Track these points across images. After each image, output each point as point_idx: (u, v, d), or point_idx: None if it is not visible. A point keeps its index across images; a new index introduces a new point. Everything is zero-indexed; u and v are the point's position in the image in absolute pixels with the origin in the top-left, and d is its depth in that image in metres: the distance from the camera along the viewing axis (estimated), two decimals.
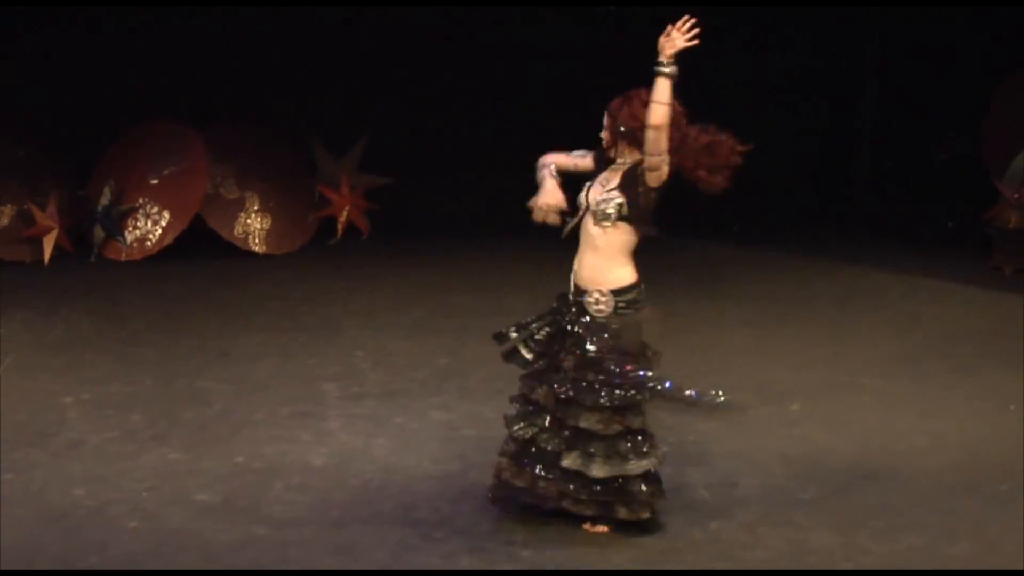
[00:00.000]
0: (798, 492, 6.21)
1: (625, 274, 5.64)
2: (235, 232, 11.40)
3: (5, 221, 11.05)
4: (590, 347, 5.60)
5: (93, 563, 5.42)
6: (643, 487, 5.64)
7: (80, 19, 11.61)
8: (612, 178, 5.62)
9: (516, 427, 5.79)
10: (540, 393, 5.73)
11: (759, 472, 6.43)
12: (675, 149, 5.49)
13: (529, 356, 5.79)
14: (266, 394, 7.60)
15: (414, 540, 5.65)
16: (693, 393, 5.75)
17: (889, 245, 12.16)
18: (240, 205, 11.48)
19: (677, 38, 5.50)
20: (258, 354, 8.41)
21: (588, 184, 5.68)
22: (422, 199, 12.18)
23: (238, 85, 11.96)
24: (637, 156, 5.57)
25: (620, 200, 5.55)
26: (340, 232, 11.92)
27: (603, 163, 5.71)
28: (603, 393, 5.56)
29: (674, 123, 5.47)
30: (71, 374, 7.91)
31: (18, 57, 11.50)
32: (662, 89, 5.41)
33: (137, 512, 5.91)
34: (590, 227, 5.61)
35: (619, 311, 5.61)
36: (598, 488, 5.63)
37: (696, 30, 5.49)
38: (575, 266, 5.71)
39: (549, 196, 5.65)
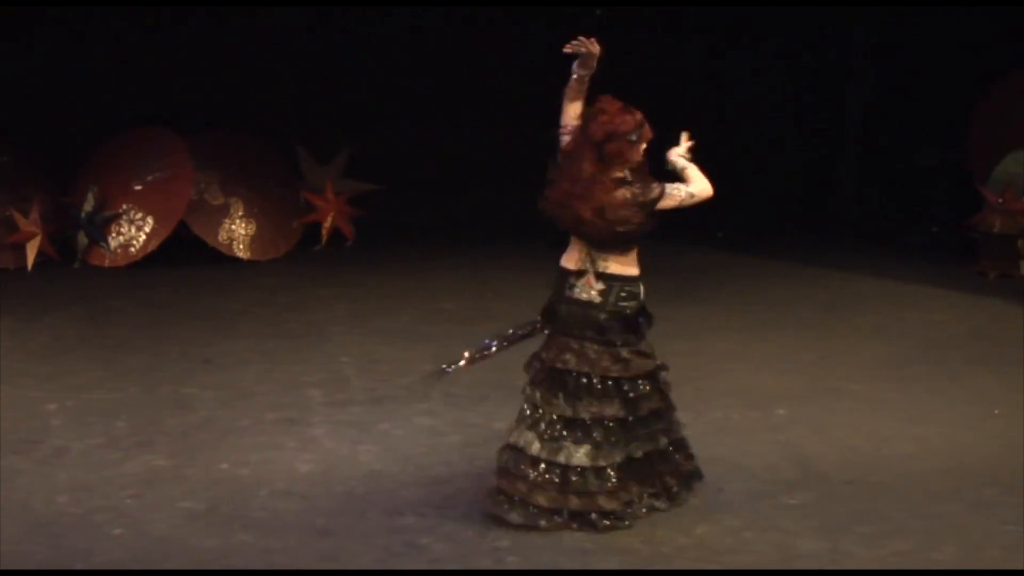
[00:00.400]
0: (784, 497, 6.21)
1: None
2: (220, 238, 11.38)
3: None
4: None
5: (78, 571, 5.40)
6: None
7: (64, 25, 11.60)
8: None
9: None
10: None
11: (745, 477, 6.43)
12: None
13: None
14: (251, 401, 7.59)
15: (399, 547, 5.64)
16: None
17: (874, 250, 12.18)
18: (224, 211, 11.46)
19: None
20: (243, 360, 8.39)
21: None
22: (407, 205, 12.17)
23: (223, 91, 11.94)
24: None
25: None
26: (325, 238, 11.92)
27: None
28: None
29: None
30: (55, 381, 7.88)
31: (1, 63, 11.47)
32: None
33: (122, 519, 5.89)
34: None
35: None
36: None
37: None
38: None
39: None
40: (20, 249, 10.95)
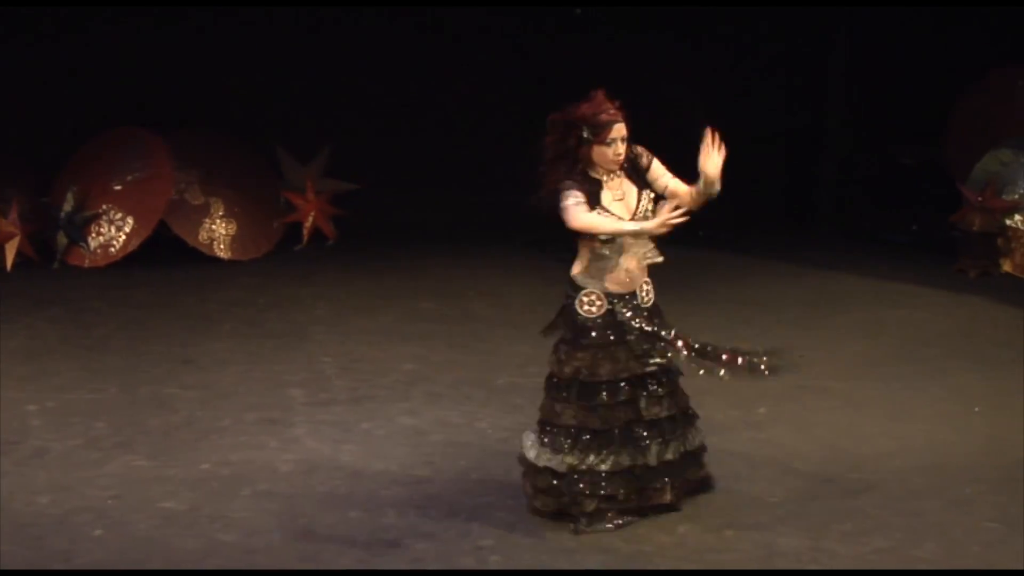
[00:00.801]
0: (765, 495, 6.22)
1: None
2: (200, 238, 11.35)
3: None
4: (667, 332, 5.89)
5: (58, 571, 5.39)
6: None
7: (43, 25, 11.55)
8: (624, 188, 5.75)
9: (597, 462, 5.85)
10: (649, 409, 5.84)
11: (726, 476, 6.43)
12: None
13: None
14: (232, 401, 7.57)
15: (381, 546, 5.64)
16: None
17: (855, 249, 12.21)
18: (205, 211, 11.43)
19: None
20: (224, 361, 8.37)
21: (600, 209, 5.68)
22: (388, 205, 12.16)
23: (202, 90, 11.91)
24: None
25: (653, 195, 5.79)
26: (306, 238, 11.89)
27: (590, 192, 5.70)
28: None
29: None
30: (35, 382, 7.85)
31: None
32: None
33: (102, 520, 5.88)
34: (637, 239, 5.73)
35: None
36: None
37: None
38: (619, 275, 5.79)
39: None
40: None
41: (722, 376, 5.91)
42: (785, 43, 13.34)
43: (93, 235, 11.06)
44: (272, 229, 11.76)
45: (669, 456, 5.88)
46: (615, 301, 5.75)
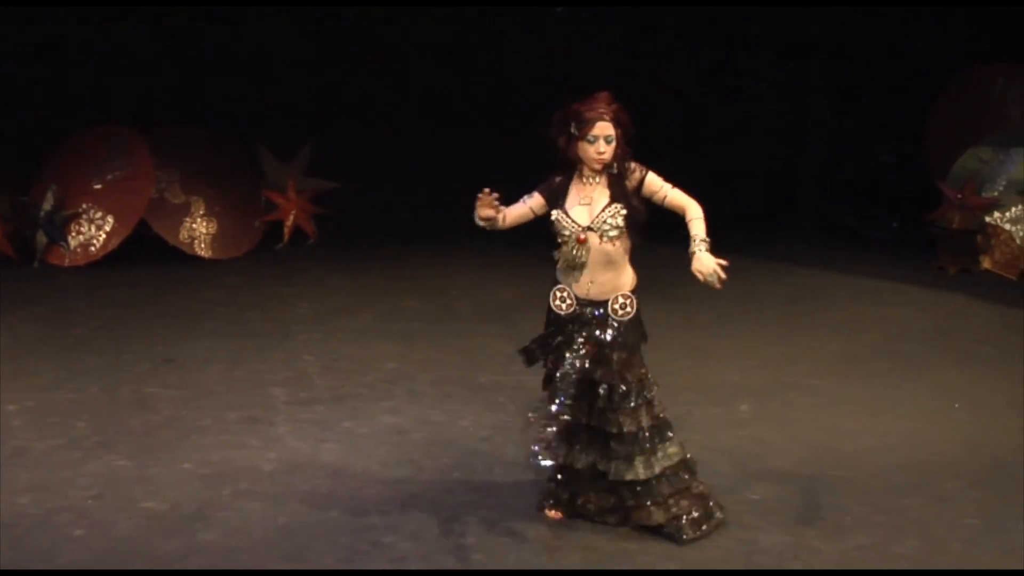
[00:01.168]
0: (747, 492, 6.23)
1: (633, 274, 5.77)
2: (181, 237, 11.33)
3: None
4: (621, 350, 5.66)
5: (39, 571, 5.37)
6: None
7: (22, 24, 11.51)
8: (595, 195, 5.62)
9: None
10: (576, 412, 5.69)
11: (708, 473, 6.43)
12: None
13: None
14: (213, 400, 7.56)
15: (363, 545, 5.63)
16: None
17: (835, 246, 12.25)
18: (185, 210, 11.41)
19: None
20: (205, 360, 8.36)
21: (559, 212, 5.63)
22: (369, 203, 12.15)
23: (183, 89, 11.89)
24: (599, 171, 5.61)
25: (624, 212, 5.58)
26: (287, 237, 11.88)
27: (555, 192, 5.67)
28: (640, 392, 5.69)
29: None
30: (15, 381, 7.82)
31: None
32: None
33: (83, 520, 5.86)
34: (600, 245, 5.60)
35: (637, 308, 5.74)
36: (639, 489, 5.72)
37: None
38: (582, 284, 5.66)
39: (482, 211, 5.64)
40: None
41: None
42: (766, 42, 13.37)
43: (73, 234, 11.03)
44: (253, 228, 11.75)
45: (579, 466, 5.80)
46: (585, 306, 5.70)
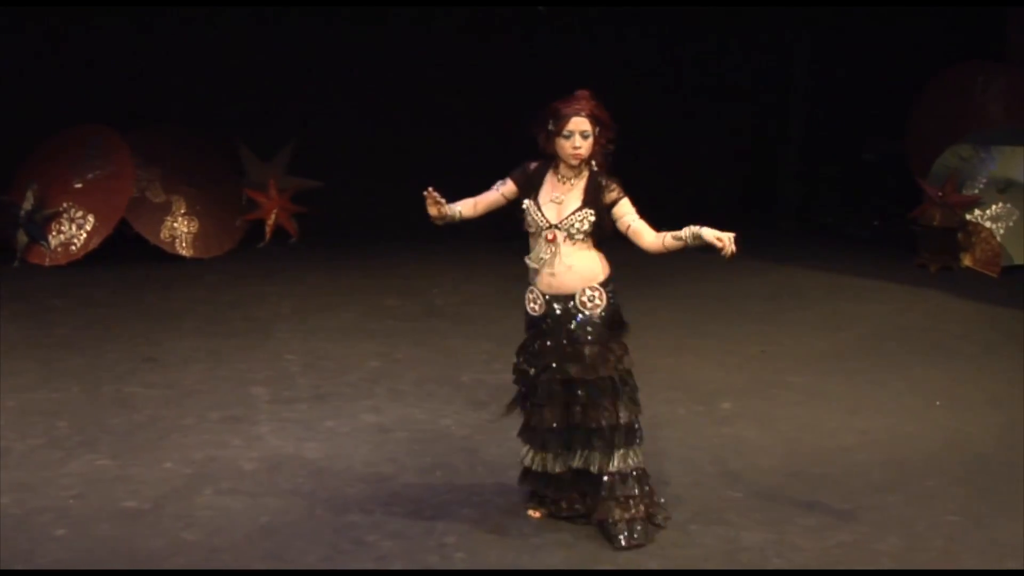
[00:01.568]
0: (729, 490, 6.24)
1: (604, 264, 5.71)
2: (162, 236, 11.30)
3: None
4: (593, 345, 5.62)
5: (20, 571, 5.35)
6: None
7: (0, 23, 11.46)
8: (569, 196, 5.61)
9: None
10: (549, 414, 5.69)
11: (690, 471, 6.46)
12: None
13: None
14: (195, 399, 7.54)
15: (346, 544, 5.63)
16: None
17: (816, 244, 12.27)
18: (167, 209, 11.38)
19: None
20: (186, 359, 8.34)
21: (530, 202, 5.63)
22: (351, 202, 12.14)
23: (164, 88, 11.86)
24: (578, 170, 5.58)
25: (592, 219, 5.58)
26: (268, 235, 11.86)
27: (530, 180, 5.66)
28: (619, 387, 5.66)
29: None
30: None
31: None
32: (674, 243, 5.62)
33: (64, 520, 5.84)
34: (564, 245, 5.60)
35: (610, 300, 5.68)
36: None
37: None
38: (545, 277, 5.64)
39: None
40: None
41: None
42: (747, 40, 13.39)
43: (54, 233, 11.00)
44: (234, 227, 11.73)
45: (558, 471, 5.77)
46: (552, 302, 5.67)
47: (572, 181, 5.62)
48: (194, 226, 11.42)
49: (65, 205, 11.05)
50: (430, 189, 5.63)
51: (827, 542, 5.69)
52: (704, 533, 5.76)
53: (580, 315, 5.64)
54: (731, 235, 5.55)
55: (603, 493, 5.66)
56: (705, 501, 6.09)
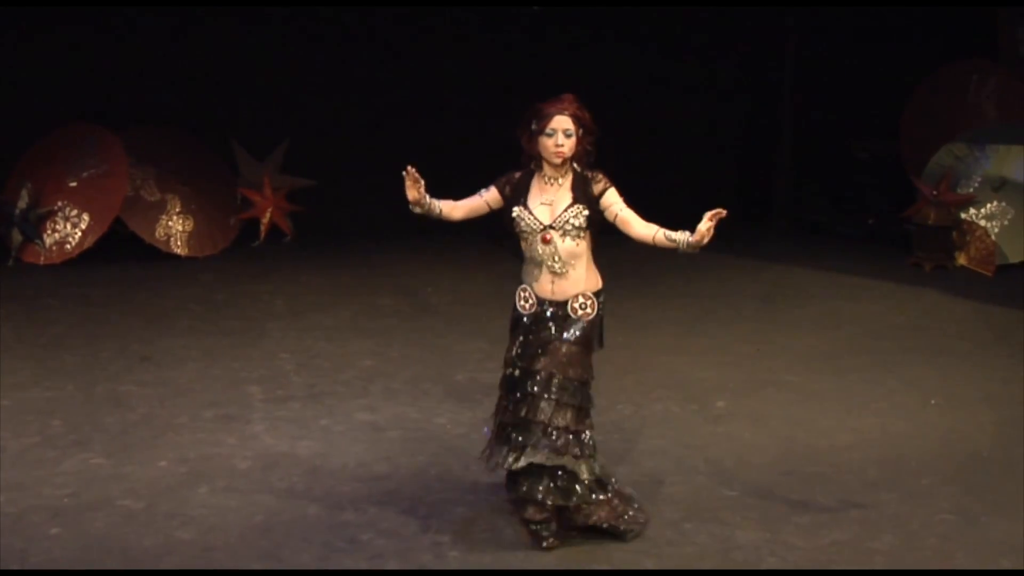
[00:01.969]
0: (723, 489, 6.25)
1: (597, 275, 5.72)
2: (156, 235, 11.30)
3: None
4: (572, 345, 5.61)
5: (14, 571, 5.34)
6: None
7: None
8: (557, 196, 5.61)
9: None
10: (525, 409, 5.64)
11: (685, 469, 6.46)
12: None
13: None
14: (189, 398, 7.54)
15: (340, 543, 5.62)
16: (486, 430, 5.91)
17: (811, 243, 12.29)
18: (161, 207, 11.38)
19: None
20: (181, 358, 8.34)
21: (520, 208, 5.63)
22: (345, 201, 12.14)
23: (158, 87, 11.85)
24: (563, 170, 5.59)
25: (586, 212, 5.57)
26: (263, 234, 11.87)
27: (516, 188, 5.66)
28: (577, 393, 5.59)
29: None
30: None
31: None
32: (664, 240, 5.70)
33: (59, 519, 5.83)
34: (563, 244, 5.60)
35: (599, 311, 5.68)
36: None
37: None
38: (543, 284, 5.64)
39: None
40: None
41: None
42: (740, 39, 13.40)
43: (48, 232, 11.00)
44: (229, 226, 11.73)
45: (520, 464, 5.66)
46: (545, 305, 5.69)
47: (558, 181, 5.62)
48: (189, 225, 11.42)
49: (60, 204, 11.05)
50: (410, 168, 5.61)
51: (821, 540, 5.69)
52: (698, 531, 5.76)
53: (568, 319, 5.64)
54: (715, 212, 5.70)
55: (576, 501, 5.63)
56: (699, 499, 6.09)
